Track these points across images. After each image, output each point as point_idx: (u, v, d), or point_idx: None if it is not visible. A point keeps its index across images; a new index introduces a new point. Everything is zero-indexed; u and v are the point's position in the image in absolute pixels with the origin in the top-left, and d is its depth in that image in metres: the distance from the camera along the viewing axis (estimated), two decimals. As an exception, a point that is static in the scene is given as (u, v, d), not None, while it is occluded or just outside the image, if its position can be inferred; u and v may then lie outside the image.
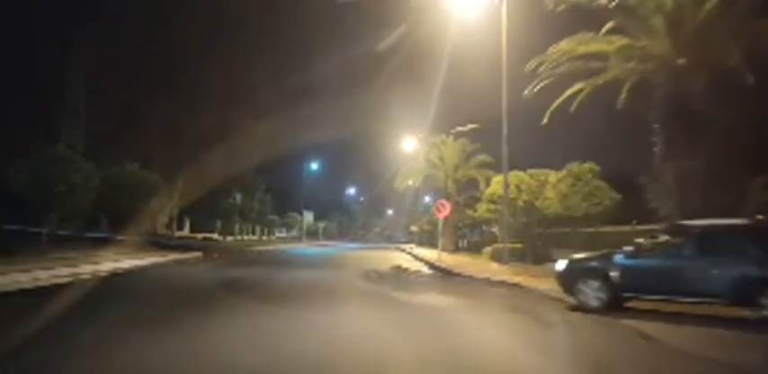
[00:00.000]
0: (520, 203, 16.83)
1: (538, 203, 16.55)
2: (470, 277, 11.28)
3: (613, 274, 6.67)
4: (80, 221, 26.17)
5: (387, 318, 6.02)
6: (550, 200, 13.52)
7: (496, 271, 12.55)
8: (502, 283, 10.19)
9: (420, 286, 10.35)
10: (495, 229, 22.16)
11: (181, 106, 34.75)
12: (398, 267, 15.36)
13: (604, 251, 7.44)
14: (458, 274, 11.82)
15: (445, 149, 24.04)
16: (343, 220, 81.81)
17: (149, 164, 36.13)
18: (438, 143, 24.16)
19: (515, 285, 9.84)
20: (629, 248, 6.81)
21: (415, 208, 66.84)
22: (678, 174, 9.59)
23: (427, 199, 70.03)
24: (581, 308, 6.88)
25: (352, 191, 78.66)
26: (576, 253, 18.43)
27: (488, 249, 19.76)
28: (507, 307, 7.40)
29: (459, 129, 24.75)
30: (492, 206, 17.40)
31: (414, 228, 72.22)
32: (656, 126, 10.23)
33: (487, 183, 22.95)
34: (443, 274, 12.57)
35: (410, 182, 29.19)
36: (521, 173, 17.58)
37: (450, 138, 23.88)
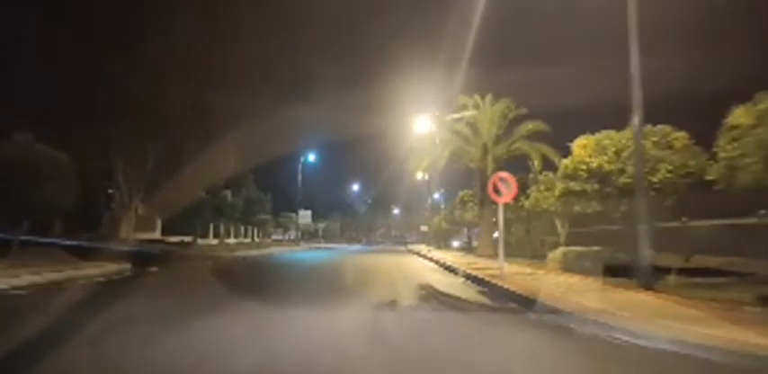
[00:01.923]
0: (623, 179, 10.16)
1: (658, 176, 9.92)
2: (642, 336, 4.55)
3: None
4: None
5: None
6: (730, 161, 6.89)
7: (661, 309, 5.82)
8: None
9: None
10: (557, 224, 15.48)
11: (150, 81, 28.38)
12: (432, 290, 8.72)
13: None
14: (595, 323, 5.07)
15: (480, 116, 17.32)
16: (346, 220, 75.19)
17: (107, 150, 29.97)
18: (470, 106, 17.42)
19: None
20: None
21: (425, 205, 60.63)
22: None
23: (437, 195, 63.80)
24: None
25: (355, 187, 72.01)
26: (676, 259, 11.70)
27: (556, 255, 13.10)
28: None
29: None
30: (573, 185, 10.74)
31: (424, 228, 65.78)
32: None
33: (543, 161, 16.31)
34: (548, 319, 5.81)
35: (423, 171, 22.39)
36: (612, 133, 10.95)
37: (488, 98, 17.19)
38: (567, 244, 15.39)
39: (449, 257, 18.71)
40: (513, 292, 7.45)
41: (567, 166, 10.92)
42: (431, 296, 8.06)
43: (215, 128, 33.80)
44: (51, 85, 23.32)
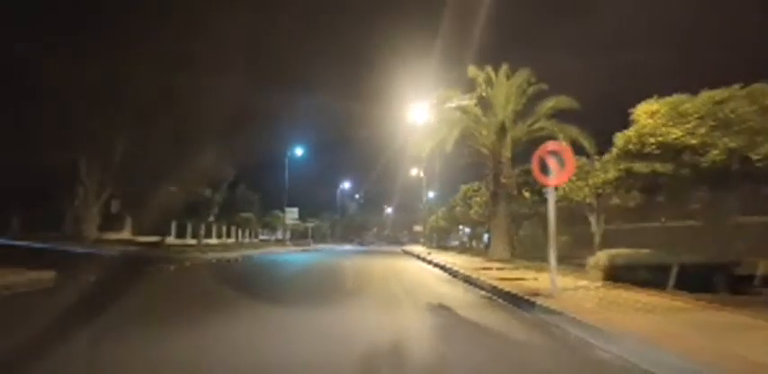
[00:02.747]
0: (715, 154, 7.28)
1: (762, 151, 7.08)
2: None
3: None
4: None
5: None
6: None
7: None
8: None
9: None
10: (592, 221, 12.59)
11: (116, 67, 25.41)
12: (453, 318, 5.80)
13: None
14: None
15: (494, 92, 14.31)
16: (337, 219, 72.07)
17: (69, 141, 26.97)
18: (480, 78, 14.43)
19: None
20: None
21: (420, 204, 58.07)
22: None
23: (431, 194, 61.54)
24: None
25: (346, 185, 68.97)
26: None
27: (600, 260, 10.24)
28: None
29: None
30: (639, 166, 7.85)
31: (418, 228, 63.04)
32: None
33: (573, 145, 13.42)
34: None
35: (425, 158, 19.38)
36: (685, 97, 8.07)
37: (504, 69, 14.24)
38: (602, 246, 12.54)
39: (455, 261, 15.80)
40: (598, 329, 4.50)
41: (629, 140, 8.00)
42: (456, 330, 5.12)
43: (193, 119, 30.84)
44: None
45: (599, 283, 8.85)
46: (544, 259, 15.52)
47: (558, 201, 13.11)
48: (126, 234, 31.29)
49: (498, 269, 11.85)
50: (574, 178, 12.29)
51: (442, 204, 35.96)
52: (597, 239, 12.46)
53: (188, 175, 30.88)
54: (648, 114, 7.91)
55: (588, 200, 11.91)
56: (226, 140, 35.19)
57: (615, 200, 12.28)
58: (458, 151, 18.64)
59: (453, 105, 15.15)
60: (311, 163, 57.63)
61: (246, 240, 46.47)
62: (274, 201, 46.91)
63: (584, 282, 9.16)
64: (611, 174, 8.53)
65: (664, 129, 7.61)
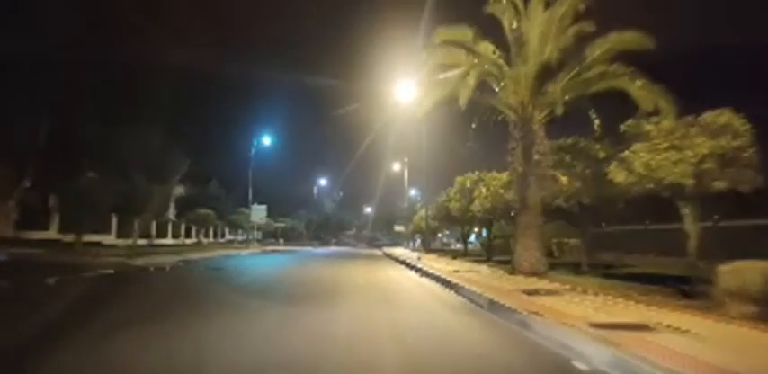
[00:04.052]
0: None
1: None
2: None
3: None
4: None
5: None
6: None
7: None
8: None
9: None
10: (686, 214, 8.09)
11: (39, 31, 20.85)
12: None
13: None
14: None
15: (525, 27, 9.62)
16: (313, 219, 67.03)
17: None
18: (503, 10, 9.71)
19: None
20: None
21: (401, 202, 53.63)
22: None
23: (413, 192, 57.00)
24: None
25: (323, 182, 64.12)
26: None
27: (747, 278, 5.76)
28: None
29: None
30: None
31: (399, 228, 58.36)
32: None
33: (658, 109, 8.94)
34: None
35: (428, 113, 14.32)
36: None
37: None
38: (701, 253, 8.11)
39: (463, 273, 11.22)
40: None
41: None
42: None
43: (141, 99, 26.18)
44: None
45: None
46: (562, 266, 11.05)
47: (630, 185, 8.62)
48: (52, 232, 25.99)
49: (548, 293, 7.27)
50: (663, 145, 7.83)
51: (428, 202, 31.59)
52: (693, 241, 8.02)
53: (131, 164, 25.87)
54: None
55: (689, 182, 7.48)
56: (180, 125, 30.51)
57: (720, 184, 7.86)
58: (456, 139, 14.46)
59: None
60: (286, 159, 52.67)
61: (207, 240, 41.22)
62: (245, 200, 41.80)
63: (735, 327, 4.65)
64: None
65: None
